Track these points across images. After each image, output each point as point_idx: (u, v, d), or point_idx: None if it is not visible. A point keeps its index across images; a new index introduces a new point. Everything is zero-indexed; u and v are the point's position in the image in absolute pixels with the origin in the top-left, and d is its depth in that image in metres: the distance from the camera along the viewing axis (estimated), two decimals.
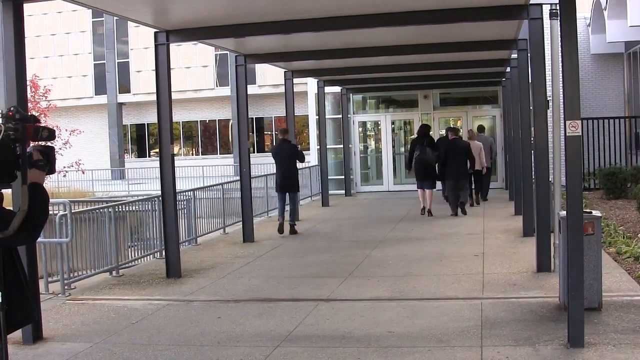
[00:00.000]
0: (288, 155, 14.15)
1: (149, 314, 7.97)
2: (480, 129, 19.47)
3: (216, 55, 38.84)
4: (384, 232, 13.55)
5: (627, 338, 6.13)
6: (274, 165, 14.74)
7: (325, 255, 11.46)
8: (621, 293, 7.76)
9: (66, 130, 29.47)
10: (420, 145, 16.05)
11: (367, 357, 6.11)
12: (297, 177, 14.52)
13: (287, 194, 14.04)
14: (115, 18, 35.07)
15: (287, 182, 14.02)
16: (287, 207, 14.12)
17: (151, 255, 12.03)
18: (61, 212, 9.35)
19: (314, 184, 21.22)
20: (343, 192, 22.29)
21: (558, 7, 6.51)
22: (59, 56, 41.45)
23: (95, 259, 10.32)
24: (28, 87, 9.27)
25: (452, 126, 19.05)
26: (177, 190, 10.84)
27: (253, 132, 39.67)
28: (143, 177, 35.49)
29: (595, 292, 7.00)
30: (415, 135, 18.15)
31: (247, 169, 13.55)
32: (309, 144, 25.32)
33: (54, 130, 3.74)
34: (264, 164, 30.64)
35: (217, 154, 41.04)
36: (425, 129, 16.84)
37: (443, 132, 19.65)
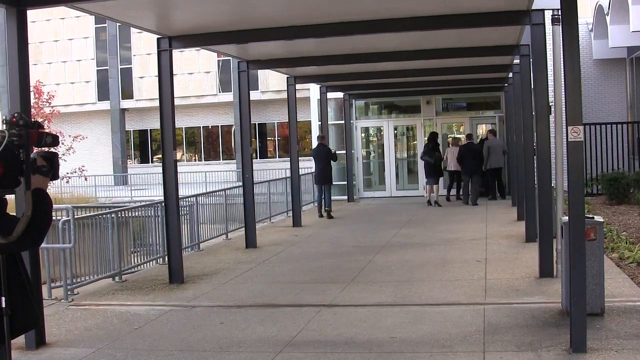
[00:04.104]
0: (324, 156, 17.66)
1: (151, 319, 7.98)
2: (493, 132, 20.74)
3: (219, 61, 38.87)
4: (386, 238, 13.54)
5: (630, 343, 6.13)
6: (269, 171, 14.86)
7: (328, 260, 11.46)
8: (624, 298, 7.75)
9: (69, 136, 29.48)
10: (427, 149, 19.83)
11: None
12: (331, 173, 18.09)
13: (323, 186, 17.59)
14: (118, 24, 35.16)
15: (324, 176, 17.57)
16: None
17: (154, 261, 12.04)
18: (64, 218, 9.37)
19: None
20: (346, 197, 22.30)
21: (560, 13, 6.52)
22: (62, 62, 41.50)
23: (98, 264, 10.34)
24: (32, 93, 9.31)
25: (469, 133, 21.34)
26: (179, 196, 10.86)
27: (256, 138, 39.65)
28: (146, 182, 35.50)
29: (597, 297, 7.00)
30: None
31: (250, 174, 13.56)
32: (311, 149, 25.33)
33: (58, 136, 3.75)
34: (266, 170, 30.64)
35: (219, 159, 41.03)
36: (431, 135, 20.46)
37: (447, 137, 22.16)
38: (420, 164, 21.53)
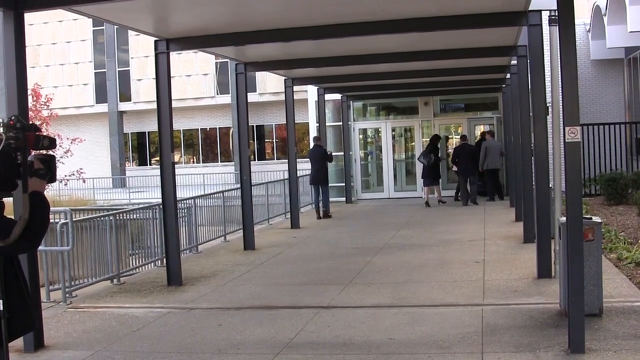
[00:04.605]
0: (320, 157, 17.89)
1: (150, 321, 7.98)
2: (491, 133, 21.02)
3: (217, 63, 38.89)
4: (384, 239, 13.55)
5: (628, 344, 6.13)
6: (267, 173, 14.85)
7: (326, 262, 11.46)
8: (622, 299, 7.76)
9: (67, 138, 29.51)
10: (424, 151, 20.18)
11: None
12: (327, 174, 18.37)
13: (320, 187, 17.85)
14: (115, 27, 35.16)
15: (319, 176, 17.82)
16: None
17: (152, 263, 12.04)
18: (62, 221, 9.36)
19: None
20: (344, 199, 22.31)
21: (557, 14, 6.53)
22: (59, 65, 41.51)
23: (96, 267, 10.33)
24: (30, 96, 9.31)
25: (463, 134, 21.61)
26: (178, 198, 10.86)
27: (254, 140, 39.69)
28: (144, 185, 35.49)
29: (595, 298, 7.00)
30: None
31: (248, 176, 13.57)
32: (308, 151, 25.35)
33: (55, 139, 3.75)
34: (264, 172, 30.65)
35: (217, 161, 41.05)
36: (432, 137, 20.80)
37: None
38: (419, 165, 22.23)
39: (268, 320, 7.79)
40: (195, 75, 39.45)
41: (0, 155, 3.43)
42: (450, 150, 21.93)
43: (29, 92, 8.34)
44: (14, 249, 3.51)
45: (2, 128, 3.51)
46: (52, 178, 3.69)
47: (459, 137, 21.95)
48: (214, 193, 15.90)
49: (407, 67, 15.48)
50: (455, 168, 20.53)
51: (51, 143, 3.66)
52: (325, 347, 6.66)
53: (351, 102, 23.31)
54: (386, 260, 11.28)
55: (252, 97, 28.69)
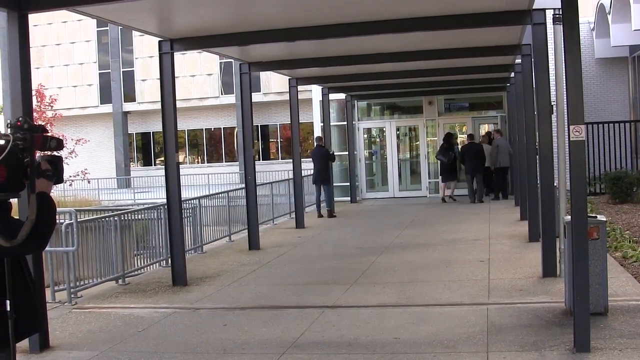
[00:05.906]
0: (322, 157, 18.20)
1: (155, 322, 8.00)
2: (499, 132, 21.21)
3: (221, 63, 38.89)
4: (389, 239, 13.54)
5: (633, 342, 6.13)
6: (271, 173, 14.80)
7: (331, 262, 11.46)
8: (627, 297, 7.75)
9: (72, 139, 29.53)
10: (442, 149, 20.84)
11: None
12: (329, 173, 18.82)
13: (322, 186, 18.27)
14: (119, 27, 35.20)
15: (321, 176, 18.21)
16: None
17: (157, 264, 12.05)
18: (67, 221, 9.39)
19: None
20: (348, 198, 22.30)
21: (561, 12, 6.53)
22: (64, 66, 41.55)
23: (101, 267, 10.35)
24: (34, 97, 9.31)
25: (470, 133, 21.80)
26: (182, 199, 10.88)
27: (258, 140, 39.67)
28: (149, 185, 35.53)
29: (600, 296, 7.00)
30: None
31: (253, 176, 13.57)
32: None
33: (62, 140, 3.76)
34: (269, 172, 30.65)
35: (222, 161, 41.05)
36: (446, 136, 21.42)
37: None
38: (424, 165, 23.23)
39: (273, 320, 7.80)
40: (200, 75, 39.46)
41: (7, 155, 3.44)
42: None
43: (33, 92, 8.38)
44: (21, 250, 3.52)
45: (9, 129, 3.52)
46: (59, 179, 3.70)
47: (465, 136, 22.14)
48: (218, 193, 15.92)
49: (411, 67, 15.47)
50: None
51: (59, 144, 3.67)
52: (330, 346, 6.66)
53: (355, 101, 23.29)
54: (391, 259, 11.27)
55: (256, 97, 28.77)
